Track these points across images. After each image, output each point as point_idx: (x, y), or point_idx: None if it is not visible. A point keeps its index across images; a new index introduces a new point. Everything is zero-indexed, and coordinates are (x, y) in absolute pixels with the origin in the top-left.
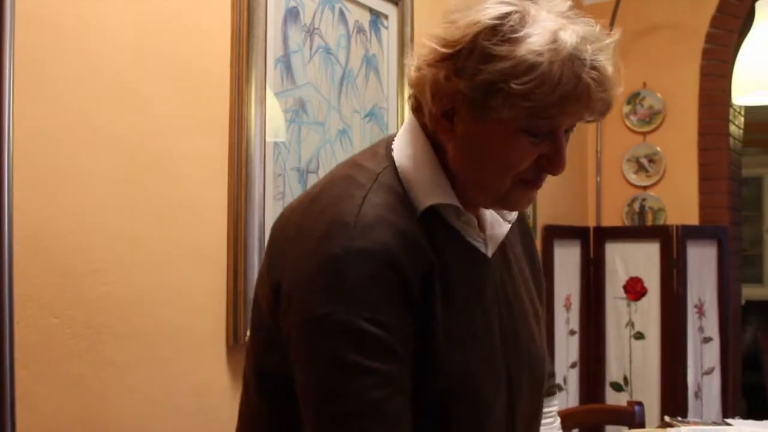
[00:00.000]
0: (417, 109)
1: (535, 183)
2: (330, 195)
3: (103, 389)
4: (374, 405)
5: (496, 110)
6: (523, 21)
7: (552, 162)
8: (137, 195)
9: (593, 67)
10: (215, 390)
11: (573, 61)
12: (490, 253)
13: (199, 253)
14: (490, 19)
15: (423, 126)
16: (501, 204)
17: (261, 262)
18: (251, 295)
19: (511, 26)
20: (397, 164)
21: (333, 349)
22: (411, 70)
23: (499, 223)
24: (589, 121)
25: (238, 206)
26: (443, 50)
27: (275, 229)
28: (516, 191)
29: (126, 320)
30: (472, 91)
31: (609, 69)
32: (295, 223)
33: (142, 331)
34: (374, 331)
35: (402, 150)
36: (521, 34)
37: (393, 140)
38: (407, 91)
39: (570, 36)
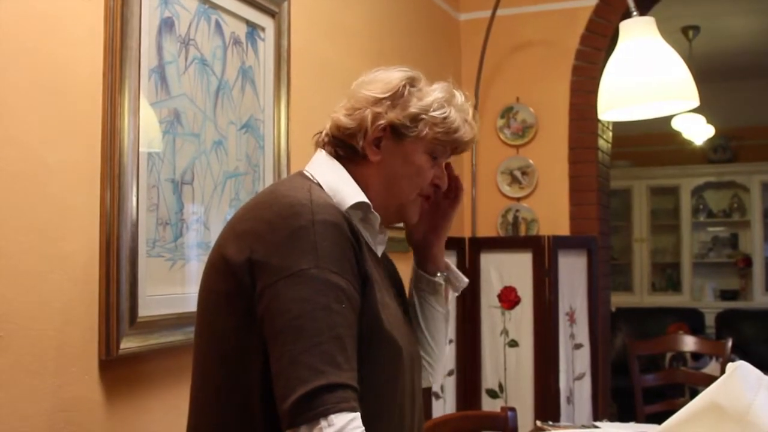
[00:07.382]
0: (326, 144)
1: (428, 197)
2: (280, 194)
3: None
4: (339, 339)
5: (419, 131)
6: (425, 80)
7: (441, 179)
8: (2, 205)
9: (469, 119)
10: (87, 404)
11: (461, 110)
12: (379, 254)
13: (70, 264)
14: (407, 76)
15: (336, 156)
16: (399, 215)
17: (212, 252)
18: (124, 306)
19: (420, 80)
20: (320, 182)
21: (310, 296)
22: (340, 116)
23: (381, 238)
24: (457, 154)
25: (110, 217)
26: (382, 95)
27: (232, 224)
28: (414, 204)
29: None
30: (403, 118)
31: (475, 125)
32: (253, 217)
33: (9, 344)
34: (340, 282)
35: (322, 174)
36: (431, 87)
37: (303, 172)
38: (284, 104)
39: (459, 95)
